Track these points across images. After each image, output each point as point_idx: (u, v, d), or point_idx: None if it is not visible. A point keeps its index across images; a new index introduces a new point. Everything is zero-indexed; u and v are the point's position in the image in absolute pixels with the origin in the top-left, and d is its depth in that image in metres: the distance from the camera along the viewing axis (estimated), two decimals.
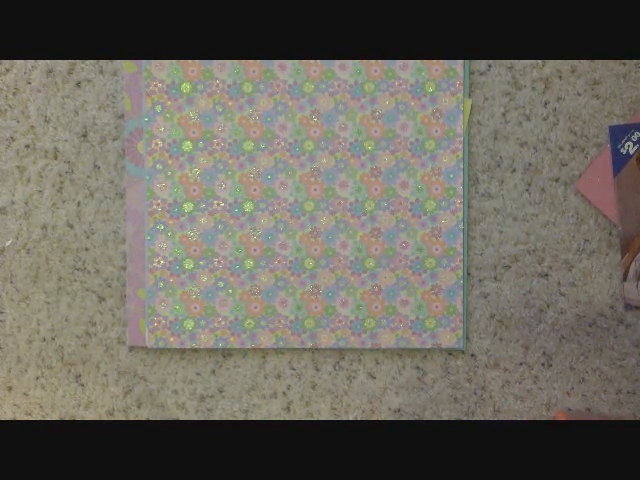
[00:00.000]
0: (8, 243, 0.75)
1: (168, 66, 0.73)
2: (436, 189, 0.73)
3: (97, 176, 0.75)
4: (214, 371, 0.75)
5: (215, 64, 0.73)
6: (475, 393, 0.75)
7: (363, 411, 0.75)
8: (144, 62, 0.73)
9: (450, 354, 0.75)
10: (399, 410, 0.75)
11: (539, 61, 0.73)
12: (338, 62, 0.73)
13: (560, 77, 0.74)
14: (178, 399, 0.76)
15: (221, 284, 0.74)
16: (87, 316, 0.76)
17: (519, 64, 0.73)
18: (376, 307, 0.74)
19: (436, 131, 0.73)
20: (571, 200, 0.74)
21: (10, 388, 0.76)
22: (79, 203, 0.75)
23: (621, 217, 0.73)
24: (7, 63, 0.75)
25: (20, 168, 0.75)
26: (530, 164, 0.74)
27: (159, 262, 0.74)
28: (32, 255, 0.75)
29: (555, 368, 0.74)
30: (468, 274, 0.74)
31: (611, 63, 0.73)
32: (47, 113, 0.75)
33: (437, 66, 0.73)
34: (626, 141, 0.73)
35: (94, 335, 0.76)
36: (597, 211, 0.74)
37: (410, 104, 0.73)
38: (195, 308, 0.74)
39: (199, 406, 0.76)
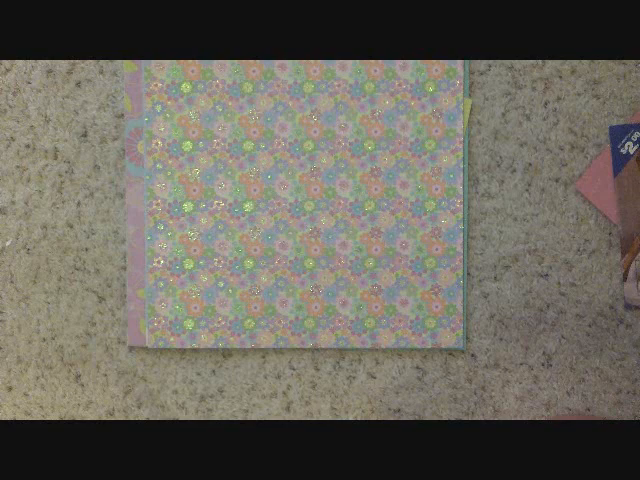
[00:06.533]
0: (8, 243, 0.76)
1: (168, 66, 0.73)
2: (436, 189, 0.73)
3: (97, 176, 0.75)
4: (214, 371, 0.75)
5: (215, 64, 0.73)
6: (475, 393, 0.75)
7: (363, 411, 0.75)
8: (144, 62, 0.73)
9: (450, 354, 0.75)
10: (399, 410, 0.75)
11: (539, 61, 0.73)
12: (338, 62, 0.73)
13: (560, 77, 0.74)
14: (178, 399, 0.76)
15: (221, 284, 0.74)
16: (87, 316, 0.76)
17: (519, 64, 0.73)
18: (376, 307, 0.74)
19: (436, 131, 0.73)
20: (571, 200, 0.74)
21: (10, 388, 0.76)
22: (79, 203, 0.75)
23: (621, 217, 0.73)
24: (7, 63, 0.75)
25: (20, 168, 0.75)
26: (530, 164, 0.74)
27: (159, 262, 0.74)
28: (32, 255, 0.75)
29: (555, 368, 0.74)
30: (468, 274, 0.74)
31: (611, 63, 0.73)
32: (47, 113, 0.75)
33: (437, 66, 0.73)
34: (626, 141, 0.73)
35: (94, 335, 0.76)
36: (597, 211, 0.74)
37: (410, 104, 0.73)
38: (195, 308, 0.74)
39: (199, 406, 0.76)
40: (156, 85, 0.74)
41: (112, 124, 0.75)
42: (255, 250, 0.74)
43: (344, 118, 0.73)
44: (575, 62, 0.73)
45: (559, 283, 0.74)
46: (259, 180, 0.74)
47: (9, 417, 0.76)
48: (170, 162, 0.74)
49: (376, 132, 0.73)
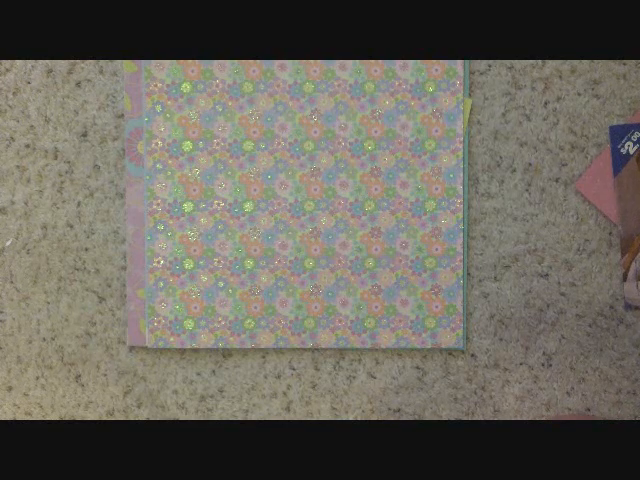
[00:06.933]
0: (8, 243, 0.76)
1: (168, 66, 0.73)
2: (436, 189, 0.73)
3: (97, 176, 0.75)
4: (214, 371, 0.75)
5: (215, 64, 0.73)
6: (475, 393, 0.75)
7: (363, 411, 0.75)
8: (144, 62, 0.73)
9: (450, 354, 0.75)
10: (399, 410, 0.75)
11: (539, 61, 0.73)
12: (338, 62, 0.73)
13: (560, 77, 0.74)
14: (178, 399, 0.76)
15: (221, 284, 0.74)
16: (87, 316, 0.76)
17: (519, 64, 0.73)
18: (376, 307, 0.74)
19: (436, 131, 0.73)
20: (571, 200, 0.74)
21: (10, 388, 0.76)
22: (79, 203, 0.75)
23: (621, 217, 0.73)
24: (7, 63, 0.75)
25: (20, 168, 0.75)
26: (530, 164, 0.74)
27: (159, 262, 0.74)
28: (32, 255, 0.75)
29: (555, 368, 0.74)
30: (468, 274, 0.74)
31: (611, 63, 0.73)
32: (47, 113, 0.75)
33: (437, 66, 0.73)
34: (626, 141, 0.73)
35: (94, 335, 0.76)
36: (597, 211, 0.74)
37: (410, 104, 0.73)
38: (195, 308, 0.74)
39: (199, 406, 0.76)
40: (156, 85, 0.74)
41: (112, 124, 0.75)
42: (255, 250, 0.74)
43: (344, 118, 0.73)
44: (575, 62, 0.73)
45: (559, 283, 0.74)
46: (259, 180, 0.74)
47: (9, 417, 0.76)
48: (170, 162, 0.74)
49: (376, 132, 0.73)
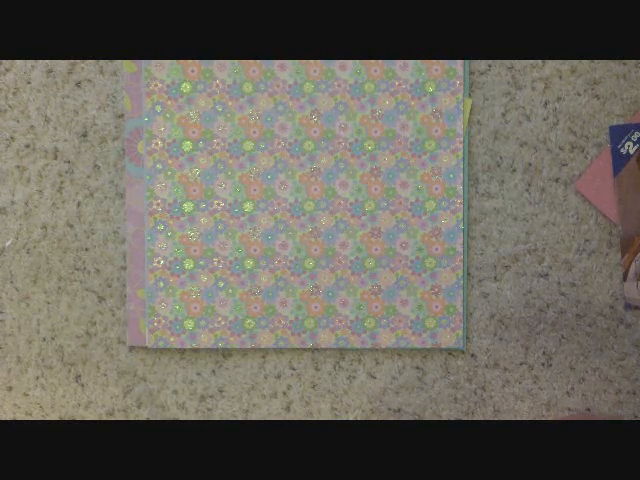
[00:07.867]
0: (8, 243, 0.75)
1: (168, 66, 0.73)
2: (436, 189, 0.73)
3: (97, 176, 0.75)
4: (214, 371, 0.75)
5: (215, 64, 0.73)
6: (475, 393, 0.75)
7: (363, 411, 0.75)
8: (144, 62, 0.73)
9: (450, 354, 0.75)
10: (399, 410, 0.75)
11: (539, 61, 0.73)
12: (338, 62, 0.73)
13: (560, 77, 0.74)
14: (178, 399, 0.76)
15: (221, 284, 0.74)
16: (87, 316, 0.76)
17: (519, 64, 0.73)
18: (376, 307, 0.74)
19: (436, 131, 0.73)
20: (571, 200, 0.74)
21: (10, 388, 0.76)
22: (79, 203, 0.75)
23: (621, 217, 0.73)
24: (7, 63, 0.75)
25: (20, 168, 0.75)
26: (530, 164, 0.74)
27: (159, 262, 0.74)
28: (32, 255, 0.75)
29: (555, 368, 0.74)
30: (468, 274, 0.74)
31: (611, 63, 0.73)
32: (47, 113, 0.75)
33: (437, 66, 0.73)
34: (626, 141, 0.73)
35: (94, 335, 0.76)
36: (597, 211, 0.74)
37: (410, 104, 0.73)
38: (195, 308, 0.74)
39: (199, 406, 0.76)
40: (156, 85, 0.74)
41: (112, 124, 0.75)
42: (255, 250, 0.74)
43: (344, 118, 0.73)
44: (575, 62, 0.73)
45: (559, 283, 0.74)
46: (259, 180, 0.74)
47: (9, 417, 0.76)
48: (170, 162, 0.74)
49: (376, 132, 0.73)
